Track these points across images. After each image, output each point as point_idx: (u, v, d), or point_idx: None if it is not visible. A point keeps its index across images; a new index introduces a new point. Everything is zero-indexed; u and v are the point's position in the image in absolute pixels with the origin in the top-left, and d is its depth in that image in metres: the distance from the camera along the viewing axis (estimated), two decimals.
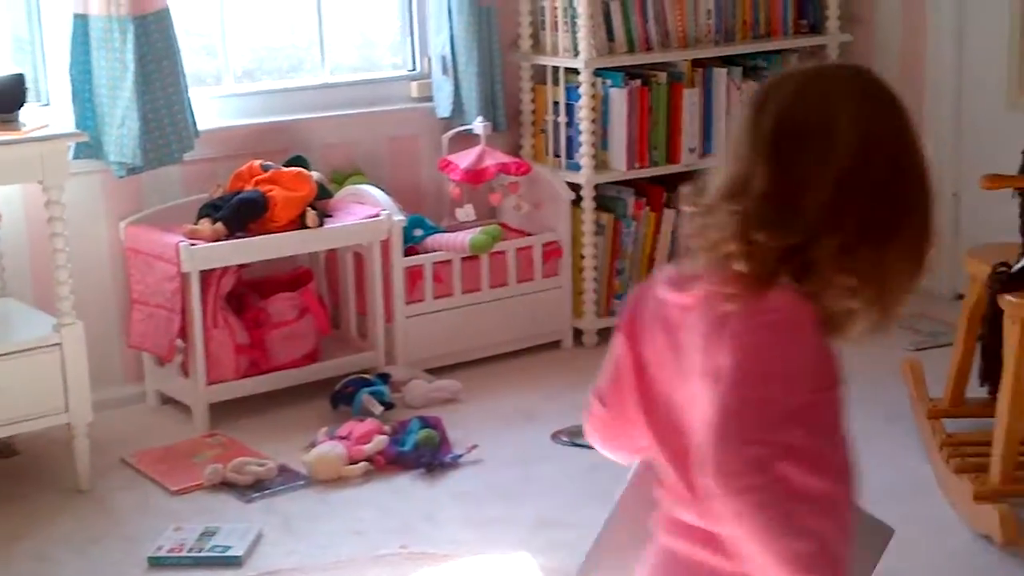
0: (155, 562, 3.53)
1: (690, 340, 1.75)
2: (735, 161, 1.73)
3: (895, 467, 3.97)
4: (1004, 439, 3.54)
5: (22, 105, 4.03)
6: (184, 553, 3.55)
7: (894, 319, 1.75)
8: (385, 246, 4.69)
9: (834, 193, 1.67)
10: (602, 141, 5.17)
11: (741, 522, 1.63)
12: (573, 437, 4.28)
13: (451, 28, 5.09)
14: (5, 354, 3.85)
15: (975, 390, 4.05)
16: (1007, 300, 3.56)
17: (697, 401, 1.71)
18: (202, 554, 3.55)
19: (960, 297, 5.06)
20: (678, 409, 1.80)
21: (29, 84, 4.16)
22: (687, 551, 1.82)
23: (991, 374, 3.87)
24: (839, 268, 1.67)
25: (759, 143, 1.71)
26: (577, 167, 5.13)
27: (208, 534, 3.64)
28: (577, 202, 5.11)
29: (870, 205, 1.68)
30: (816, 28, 5.61)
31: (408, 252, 4.81)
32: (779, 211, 1.68)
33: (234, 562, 3.52)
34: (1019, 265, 3.62)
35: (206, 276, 4.36)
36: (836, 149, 1.68)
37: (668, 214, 5.25)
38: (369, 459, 4.09)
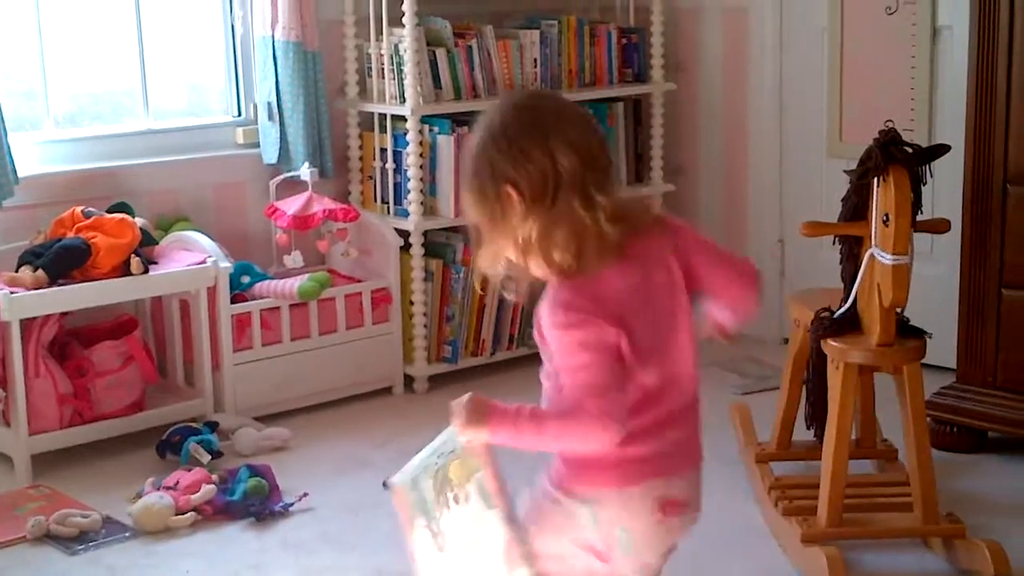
0: None
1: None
2: None
3: (726, 511, 4.01)
4: (830, 482, 3.60)
5: None
6: None
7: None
8: (212, 293, 4.63)
9: None
10: (430, 187, 5.18)
11: None
12: None
13: (276, 74, 5.06)
14: None
15: (802, 433, 4.14)
16: (830, 345, 3.65)
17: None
18: None
19: (786, 341, 5.18)
20: None
21: None
22: None
23: (817, 418, 3.96)
24: None
25: None
26: (405, 213, 5.13)
27: None
28: (406, 248, 5.10)
29: None
30: (640, 77, 5.70)
31: (236, 299, 4.76)
32: None
33: None
34: (841, 310, 3.71)
35: (27, 325, 4.26)
36: None
37: None
38: (197, 509, 4.02)
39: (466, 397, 2.38)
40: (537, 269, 2.35)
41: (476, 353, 5.29)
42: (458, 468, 2.44)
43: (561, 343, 2.31)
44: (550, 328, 2.32)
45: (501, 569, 2.45)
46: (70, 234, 4.43)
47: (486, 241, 2.38)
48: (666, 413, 2.42)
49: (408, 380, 5.17)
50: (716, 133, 5.88)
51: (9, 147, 4.42)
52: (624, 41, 5.64)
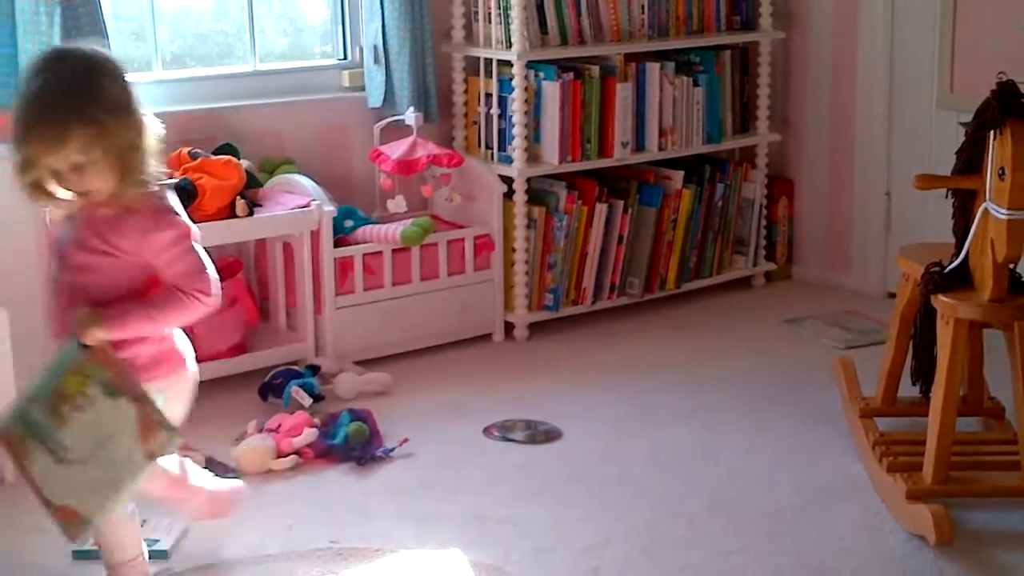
0: (80, 555, 3.46)
1: None
2: None
3: (827, 467, 3.98)
4: (937, 438, 3.55)
5: None
6: None
7: None
8: (315, 237, 4.65)
9: None
10: (534, 134, 5.15)
11: None
12: (505, 432, 4.26)
13: (383, 17, 5.05)
14: None
15: (907, 389, 4.07)
16: (940, 300, 3.58)
17: None
18: None
19: (891, 296, 5.11)
20: None
21: None
22: None
23: (923, 373, 3.90)
24: None
25: None
26: (509, 160, 5.10)
27: None
28: (509, 195, 5.08)
29: None
30: (749, 24, 5.62)
31: (338, 243, 4.76)
32: None
33: (161, 555, 3.45)
34: (952, 265, 3.64)
35: None
36: None
37: (600, 208, 5.23)
38: (298, 452, 4.04)
39: (82, 311, 2.89)
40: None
41: (576, 301, 5.27)
42: (73, 380, 2.87)
43: (168, 241, 2.95)
44: (156, 232, 2.94)
45: (137, 448, 2.87)
46: (177, 175, 4.45)
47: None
48: None
49: (508, 327, 5.16)
50: (824, 83, 5.78)
51: None
52: None
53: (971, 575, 3.38)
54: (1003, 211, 3.40)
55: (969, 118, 3.61)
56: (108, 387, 2.87)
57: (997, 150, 3.43)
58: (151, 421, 2.87)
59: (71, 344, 2.89)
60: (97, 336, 2.90)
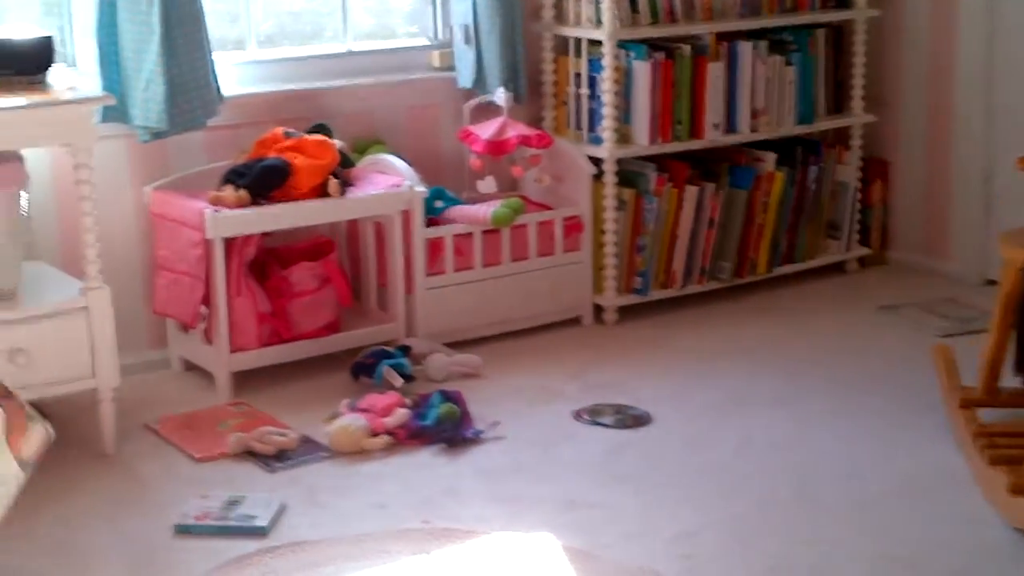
0: (182, 530, 3.50)
1: None
2: None
3: (925, 458, 3.93)
4: None
5: (49, 67, 3.98)
6: (210, 521, 3.52)
7: None
8: (406, 217, 4.65)
9: None
10: (625, 115, 5.11)
11: None
12: (595, 417, 4.25)
13: None
14: (33, 317, 3.82)
15: (1009, 379, 4.01)
16: None
17: None
18: (228, 523, 3.51)
19: (990, 282, 5.04)
20: None
21: (56, 46, 4.11)
22: None
23: None
24: None
25: None
26: (599, 141, 5.07)
27: (233, 503, 3.62)
28: (599, 176, 5.05)
29: None
30: (844, 2, 5.55)
31: (429, 223, 4.76)
32: None
33: (259, 532, 3.49)
34: None
35: (229, 243, 4.32)
36: None
37: (691, 191, 5.20)
38: (390, 432, 4.05)
39: None
40: None
41: (666, 285, 5.24)
42: None
43: None
44: None
45: (6, 458, 2.30)
46: (272, 154, 4.47)
47: None
48: None
49: (598, 310, 5.14)
50: (921, 62, 5.69)
51: (214, 66, 4.47)
52: None
53: None
54: None
55: None
56: None
57: None
58: (21, 418, 2.25)
59: None
60: None
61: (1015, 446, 3.66)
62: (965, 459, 3.86)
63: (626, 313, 5.16)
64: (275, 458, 3.93)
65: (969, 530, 3.50)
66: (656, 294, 5.21)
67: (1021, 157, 3.68)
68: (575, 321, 5.10)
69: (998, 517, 3.54)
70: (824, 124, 5.60)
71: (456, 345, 4.75)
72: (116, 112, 4.36)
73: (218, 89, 4.50)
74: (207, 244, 4.25)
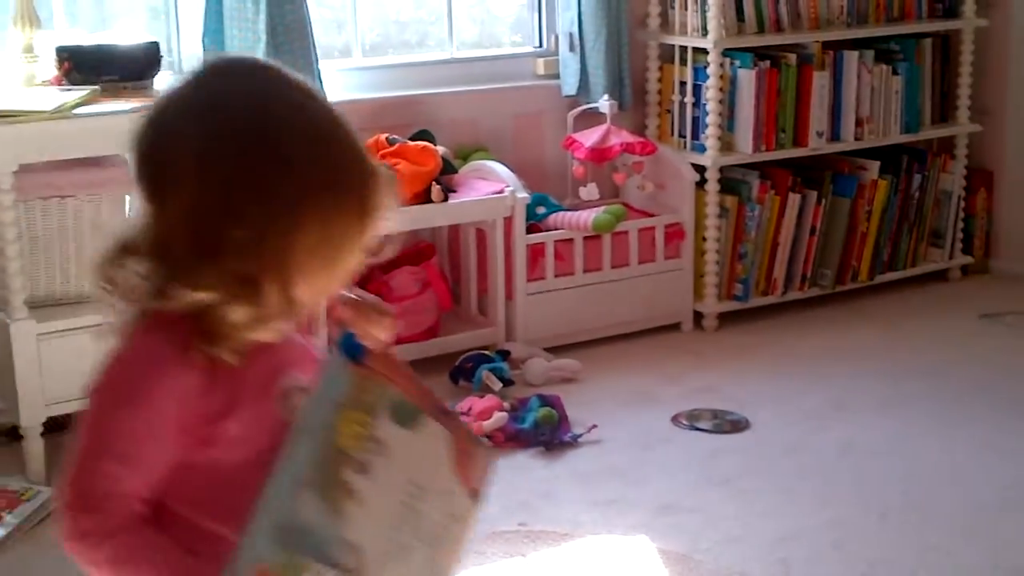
0: None
1: None
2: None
3: None
4: None
5: (156, 73, 4.08)
6: None
7: None
8: (508, 223, 4.68)
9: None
10: (728, 123, 5.11)
11: None
12: (693, 421, 4.26)
13: (579, 5, 5.06)
14: None
15: None
16: None
17: None
18: None
19: None
20: None
21: (163, 53, 4.20)
22: None
23: None
24: None
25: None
26: (702, 148, 5.08)
27: None
28: (701, 184, 5.06)
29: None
30: (951, 12, 5.51)
31: (530, 230, 4.80)
32: None
33: None
34: None
35: None
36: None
37: (793, 198, 5.18)
38: (488, 435, 4.09)
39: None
40: None
41: (767, 292, 5.23)
42: (350, 421, 1.62)
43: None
44: None
45: (457, 490, 1.72)
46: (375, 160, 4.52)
47: None
48: None
49: (697, 317, 5.14)
50: None
51: (320, 74, 4.53)
52: None
53: None
54: None
55: None
56: (402, 412, 1.66)
57: None
58: (467, 442, 1.74)
59: (332, 366, 1.64)
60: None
61: None
62: None
63: (726, 320, 5.15)
64: None
65: None
66: (756, 301, 5.20)
67: None
68: (675, 327, 5.11)
69: None
70: (929, 133, 5.56)
71: (555, 350, 4.77)
72: None
73: None
74: None
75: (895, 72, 5.36)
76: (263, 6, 4.35)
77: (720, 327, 5.12)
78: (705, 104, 5.05)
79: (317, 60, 4.53)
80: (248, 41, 4.39)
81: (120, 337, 1.65)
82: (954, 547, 3.44)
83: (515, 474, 3.92)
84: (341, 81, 4.86)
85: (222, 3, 4.41)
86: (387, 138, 4.61)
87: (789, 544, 3.48)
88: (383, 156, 4.52)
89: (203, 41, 4.45)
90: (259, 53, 4.36)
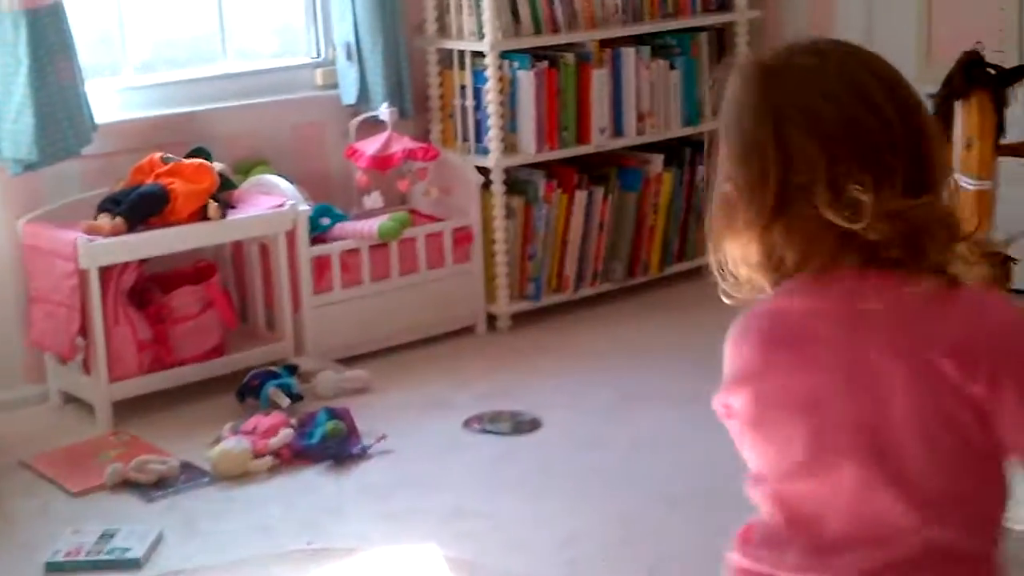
0: (52, 567, 3.44)
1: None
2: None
3: None
4: None
5: None
6: (82, 557, 3.46)
7: None
8: (290, 236, 4.62)
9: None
10: (511, 124, 5.12)
11: None
12: (485, 424, 4.24)
13: (355, 14, 5.02)
14: None
15: None
16: None
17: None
18: (100, 557, 3.45)
19: None
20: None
21: None
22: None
23: None
24: None
25: None
26: (486, 151, 5.08)
27: (107, 536, 3.55)
28: (487, 186, 5.05)
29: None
30: (724, 5, 5.59)
31: (316, 241, 4.74)
32: None
33: (133, 564, 3.44)
34: None
35: (106, 272, 4.27)
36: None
37: (580, 196, 5.21)
38: (275, 453, 4.02)
39: None
40: None
41: (559, 290, 5.24)
42: None
43: None
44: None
45: None
46: (148, 181, 4.44)
47: None
48: None
49: (491, 319, 5.13)
50: None
51: (86, 95, 4.42)
52: None
53: None
54: (970, 182, 3.36)
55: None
56: None
57: (963, 121, 3.40)
58: None
59: None
60: None
61: None
62: None
63: (520, 320, 5.15)
64: (155, 487, 3.87)
65: None
66: (549, 299, 5.22)
67: None
68: (468, 331, 5.09)
69: None
70: (710, 125, 5.57)
71: (348, 361, 4.72)
72: None
73: (91, 117, 4.45)
74: (81, 274, 4.20)
75: (672, 67, 5.42)
76: (23, 30, 4.22)
77: (514, 328, 5.12)
78: (486, 107, 5.05)
79: (83, 82, 4.41)
80: (9, 65, 4.27)
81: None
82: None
83: (302, 491, 3.87)
84: (115, 100, 4.75)
85: None
86: (162, 157, 4.52)
87: (579, 543, 3.49)
88: (157, 176, 4.43)
89: None
90: (21, 77, 4.25)
